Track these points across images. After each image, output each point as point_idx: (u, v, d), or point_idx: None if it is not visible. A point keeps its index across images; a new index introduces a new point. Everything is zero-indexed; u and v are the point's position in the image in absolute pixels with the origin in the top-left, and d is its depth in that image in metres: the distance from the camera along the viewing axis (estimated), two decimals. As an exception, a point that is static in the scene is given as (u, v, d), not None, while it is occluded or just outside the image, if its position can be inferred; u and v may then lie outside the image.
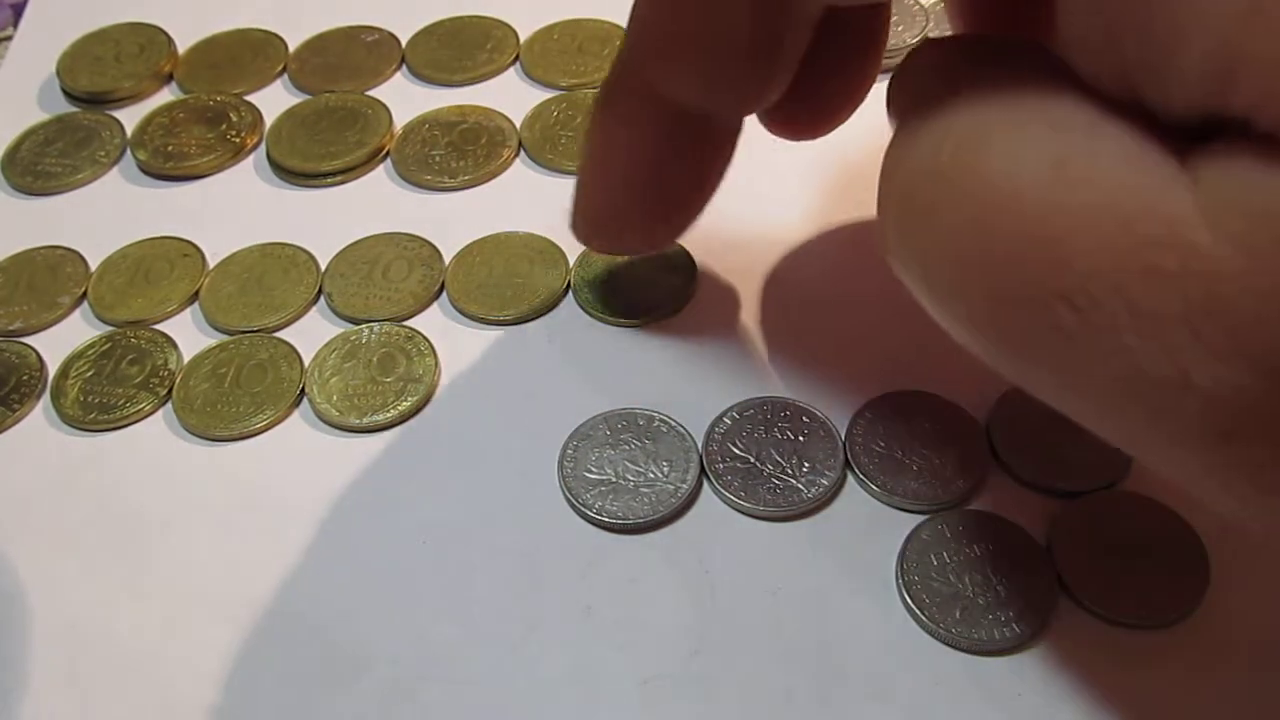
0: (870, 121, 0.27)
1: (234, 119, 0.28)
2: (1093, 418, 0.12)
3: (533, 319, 0.23)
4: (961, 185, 0.12)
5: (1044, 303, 0.11)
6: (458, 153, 0.27)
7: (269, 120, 0.28)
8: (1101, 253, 0.11)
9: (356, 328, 0.23)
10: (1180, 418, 0.11)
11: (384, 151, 0.27)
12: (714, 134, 0.18)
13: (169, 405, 0.22)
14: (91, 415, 0.22)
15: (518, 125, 0.27)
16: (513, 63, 0.29)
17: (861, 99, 0.20)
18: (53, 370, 0.23)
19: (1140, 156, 0.11)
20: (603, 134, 0.18)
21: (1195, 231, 0.10)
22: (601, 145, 0.19)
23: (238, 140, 0.27)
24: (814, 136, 0.20)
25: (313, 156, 0.27)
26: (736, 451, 0.20)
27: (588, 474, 0.20)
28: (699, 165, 0.18)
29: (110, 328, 0.24)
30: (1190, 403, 0.11)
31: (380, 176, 0.27)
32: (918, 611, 0.18)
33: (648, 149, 0.18)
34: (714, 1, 0.15)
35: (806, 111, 0.20)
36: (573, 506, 0.20)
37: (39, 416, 0.22)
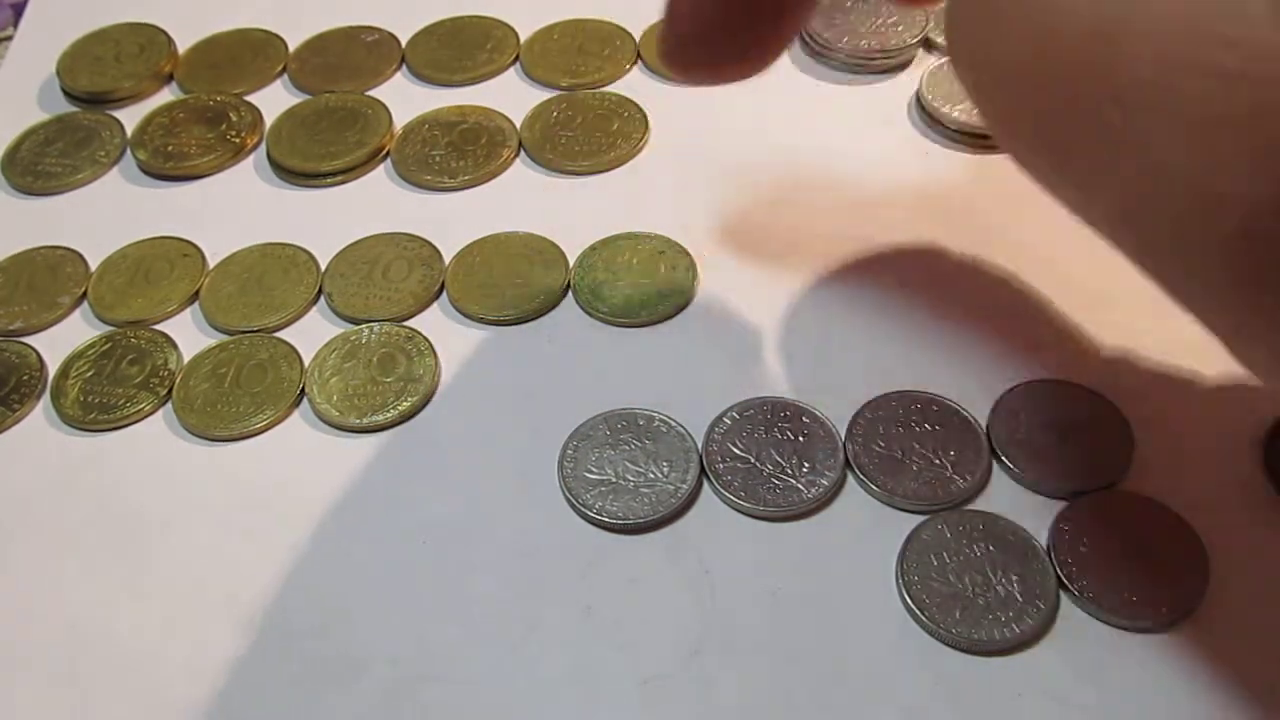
0: (870, 121, 0.27)
1: (234, 119, 0.28)
2: (1117, 231, 0.12)
3: (533, 319, 0.23)
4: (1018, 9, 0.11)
5: (1093, 100, 0.11)
6: (458, 153, 0.27)
7: (269, 120, 0.28)
8: (1166, 42, 0.10)
9: (356, 328, 0.23)
10: (1210, 242, 0.10)
11: (384, 151, 0.27)
12: None
13: (169, 405, 0.22)
14: (91, 415, 0.22)
15: (518, 125, 0.27)
16: (513, 63, 0.29)
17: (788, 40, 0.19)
18: (53, 370, 0.23)
19: None
20: None
21: (1265, 30, 0.09)
22: None
23: (238, 140, 0.27)
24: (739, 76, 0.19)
25: (313, 156, 0.27)
26: (736, 451, 0.20)
27: (588, 474, 0.20)
28: None
29: (110, 328, 0.24)
30: (1223, 222, 0.10)
31: (380, 176, 0.27)
32: (918, 611, 0.18)
33: None
34: None
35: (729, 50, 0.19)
36: (573, 506, 0.20)
37: (39, 416, 0.22)
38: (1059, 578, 0.18)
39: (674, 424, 0.21)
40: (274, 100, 0.29)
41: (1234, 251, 0.10)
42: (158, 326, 0.24)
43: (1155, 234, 0.11)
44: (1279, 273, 0.10)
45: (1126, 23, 0.10)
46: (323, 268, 0.24)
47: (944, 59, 0.28)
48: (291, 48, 0.30)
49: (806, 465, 0.20)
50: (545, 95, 0.28)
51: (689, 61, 0.19)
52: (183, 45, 0.30)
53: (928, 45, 0.29)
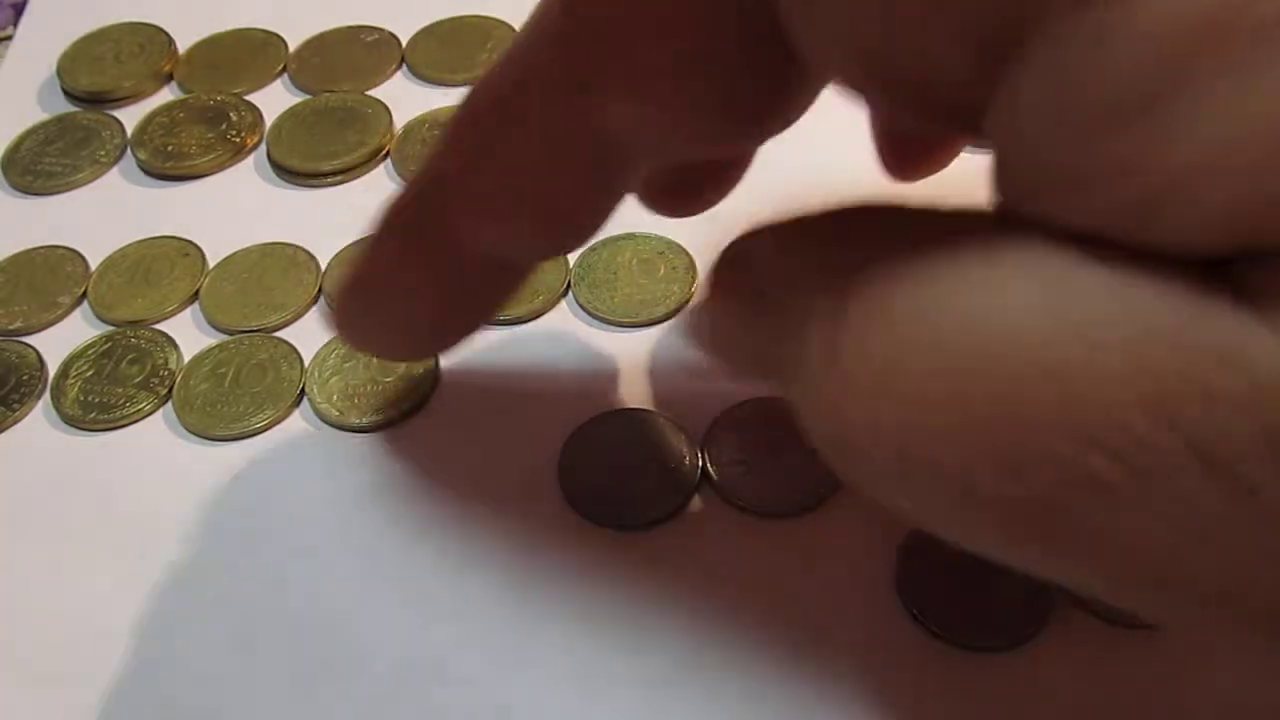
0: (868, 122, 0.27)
1: (234, 119, 0.28)
2: (1146, 597, 0.10)
3: (532, 319, 0.23)
4: (929, 337, 0.09)
5: (1069, 456, 0.09)
6: (458, 153, 0.27)
7: (269, 120, 0.28)
8: (1142, 380, 0.08)
9: (356, 328, 0.23)
10: (1265, 587, 0.09)
11: (384, 151, 0.27)
12: (512, 273, 0.17)
13: (169, 405, 0.22)
14: (91, 415, 0.22)
15: (518, 125, 0.27)
16: (513, 63, 0.29)
17: (737, 179, 0.19)
18: (53, 370, 0.23)
19: (1150, 277, 0.09)
20: (389, 249, 0.16)
21: (1262, 344, 0.08)
22: (385, 258, 0.16)
23: (238, 140, 0.27)
24: (688, 214, 0.19)
25: (313, 156, 0.27)
26: (736, 451, 0.20)
27: (588, 474, 0.20)
28: (487, 299, 0.17)
29: (110, 327, 0.24)
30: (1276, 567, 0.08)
31: (380, 176, 0.27)
32: (917, 612, 0.18)
33: (437, 285, 0.16)
34: (544, 170, 0.14)
35: (677, 201, 0.19)
36: (573, 506, 0.20)
37: (39, 416, 0.22)
38: (1059, 578, 0.18)
39: (674, 424, 0.21)
40: (274, 100, 0.29)
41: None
42: (158, 326, 0.24)
43: (1199, 593, 0.09)
44: None
45: (1084, 350, 0.09)
46: (323, 267, 0.24)
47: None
48: (291, 48, 0.30)
49: (806, 464, 0.20)
50: (545, 95, 0.28)
51: (368, 351, 0.20)
52: (183, 45, 0.30)
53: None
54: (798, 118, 0.14)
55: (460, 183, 0.14)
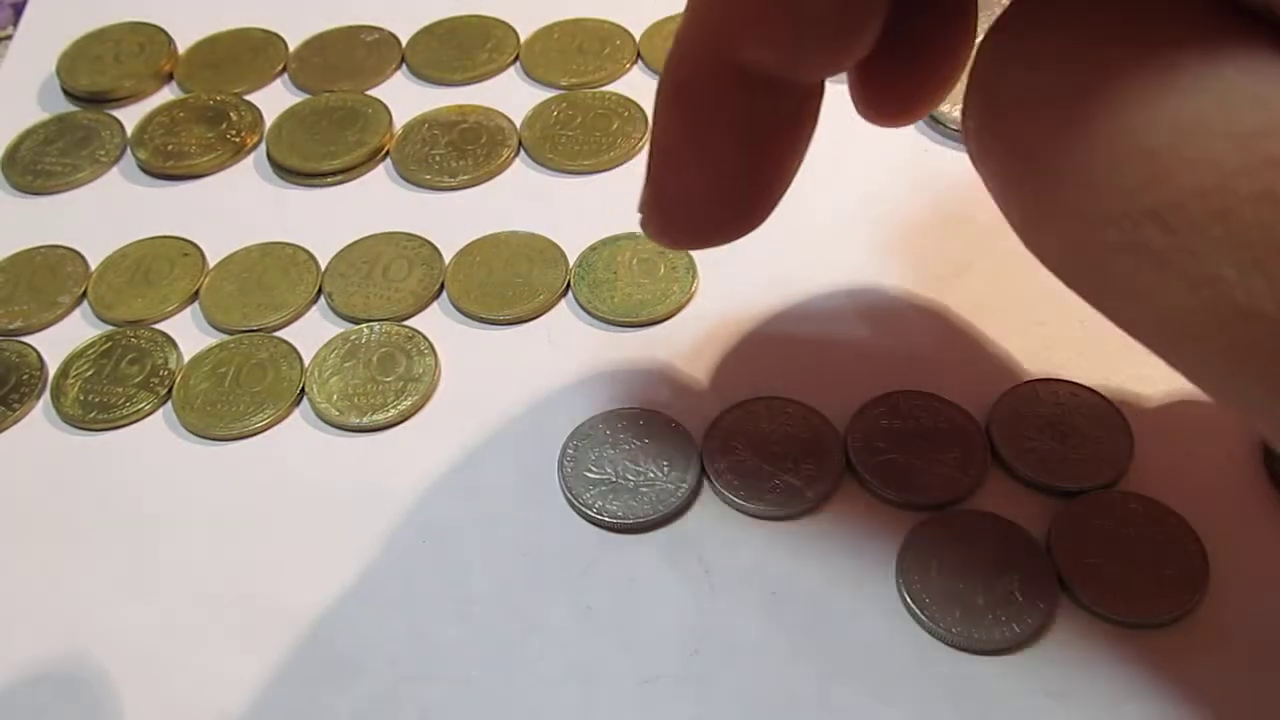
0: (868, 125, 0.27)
1: (234, 118, 0.28)
2: (1169, 349, 0.11)
3: (532, 319, 0.23)
4: (1051, 98, 0.11)
5: (1133, 219, 0.10)
6: (458, 152, 0.27)
7: (269, 120, 0.28)
8: (1205, 169, 0.09)
9: (356, 327, 0.23)
10: (1275, 361, 0.10)
11: (384, 151, 0.27)
12: (799, 100, 0.17)
13: (169, 405, 0.22)
14: (91, 415, 0.22)
15: (518, 125, 0.27)
16: (513, 62, 0.29)
17: (959, 69, 0.18)
18: (53, 370, 0.23)
19: (1267, 73, 0.10)
20: (682, 122, 0.17)
21: None
22: (681, 135, 0.17)
23: (238, 140, 0.27)
24: (911, 117, 0.19)
25: (313, 156, 0.27)
26: (736, 451, 0.20)
27: (588, 474, 0.20)
28: (786, 136, 0.17)
29: (110, 327, 0.24)
30: None
31: (380, 176, 0.27)
32: (918, 611, 0.18)
33: (735, 129, 0.16)
34: None
35: (902, 86, 0.18)
36: (573, 506, 0.20)
37: (39, 416, 0.22)
38: (1059, 578, 0.18)
39: (674, 424, 0.21)
40: (274, 100, 0.29)
41: None
42: (158, 326, 0.24)
43: (1205, 344, 0.11)
44: None
45: (1173, 151, 0.10)
46: (323, 267, 0.24)
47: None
48: (291, 47, 0.30)
49: (807, 465, 0.20)
50: (545, 95, 0.28)
51: (678, 234, 0.19)
52: (183, 45, 0.30)
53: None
54: None
55: (721, 4, 0.15)
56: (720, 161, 0.17)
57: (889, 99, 0.19)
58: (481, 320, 0.23)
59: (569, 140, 0.27)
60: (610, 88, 0.28)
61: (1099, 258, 0.11)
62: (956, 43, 0.18)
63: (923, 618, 0.18)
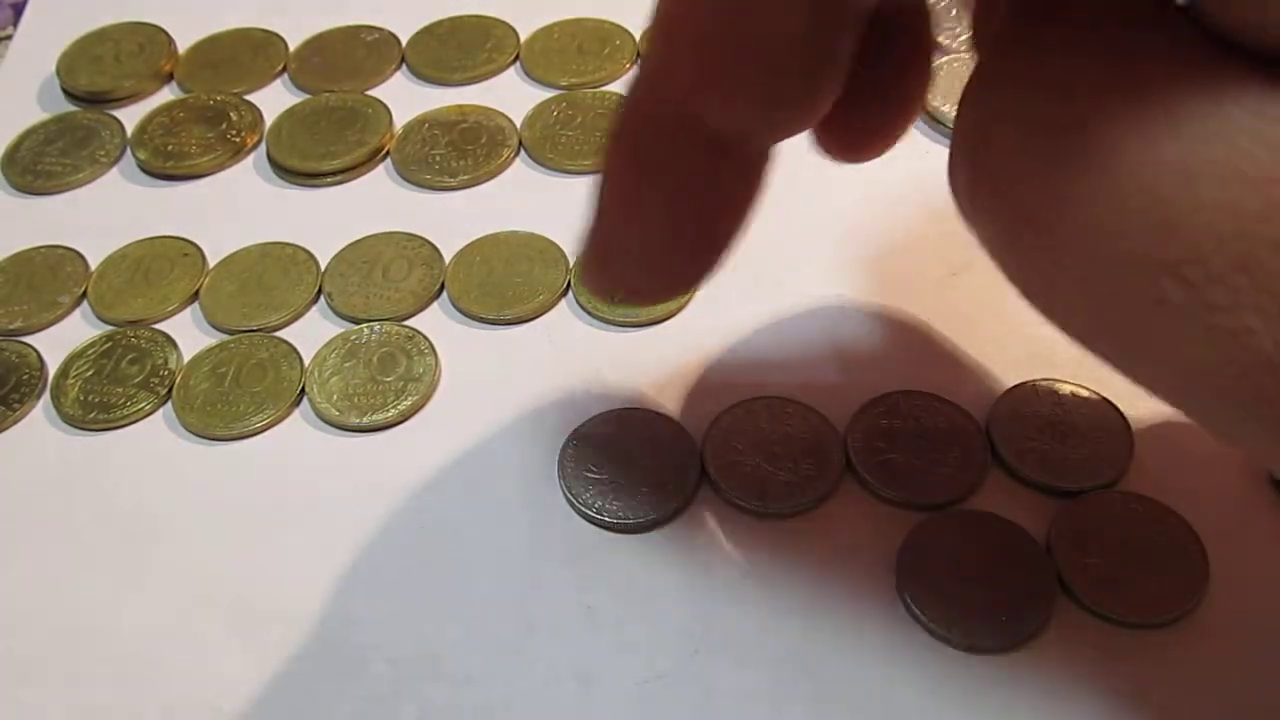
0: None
1: (234, 118, 0.28)
2: (1184, 401, 0.11)
3: (533, 319, 0.23)
4: (1049, 147, 0.10)
5: (1148, 276, 0.10)
6: (458, 152, 0.27)
7: (269, 120, 0.28)
8: (1222, 217, 0.09)
9: (356, 327, 0.23)
10: None
11: (384, 151, 0.27)
12: (755, 161, 0.17)
13: (169, 405, 0.22)
14: (91, 415, 0.22)
15: (518, 125, 0.27)
16: (513, 62, 0.29)
17: (917, 111, 0.19)
18: (53, 370, 0.23)
19: (1271, 112, 0.09)
20: (631, 175, 0.16)
21: None
22: (629, 188, 0.17)
23: (238, 140, 0.27)
24: (871, 155, 0.19)
25: (313, 156, 0.27)
26: (737, 451, 0.20)
27: (588, 474, 0.20)
28: (740, 197, 0.17)
29: (110, 327, 0.24)
30: None
31: (380, 176, 0.27)
32: (917, 611, 0.18)
33: (686, 186, 0.16)
34: (768, 13, 0.13)
35: (861, 129, 0.18)
36: (573, 506, 0.20)
37: (39, 416, 0.22)
38: (1059, 578, 0.18)
39: (674, 424, 0.21)
40: (274, 100, 0.29)
41: None
42: (158, 326, 0.24)
43: (1227, 396, 0.10)
44: None
45: (1186, 199, 0.09)
46: (323, 267, 0.24)
47: (944, 59, 0.28)
48: (291, 47, 0.30)
49: (807, 465, 0.20)
50: (545, 95, 0.28)
51: (636, 297, 0.19)
52: (183, 45, 0.30)
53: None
54: None
55: (684, 62, 0.14)
56: (673, 220, 0.17)
57: (845, 142, 0.19)
58: (482, 320, 0.23)
59: (569, 140, 0.27)
60: (610, 88, 0.28)
61: (1111, 317, 0.10)
62: (914, 89, 0.18)
63: (922, 618, 0.18)
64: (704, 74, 0.14)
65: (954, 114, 0.23)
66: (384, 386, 0.22)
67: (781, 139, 0.16)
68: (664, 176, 0.16)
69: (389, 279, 0.24)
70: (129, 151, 0.28)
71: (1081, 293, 0.11)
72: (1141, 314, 0.10)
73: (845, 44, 0.14)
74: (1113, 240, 0.10)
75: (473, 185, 0.26)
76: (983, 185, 0.11)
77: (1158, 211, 0.09)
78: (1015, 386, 0.21)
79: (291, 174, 0.27)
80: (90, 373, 0.23)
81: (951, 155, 0.12)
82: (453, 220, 0.25)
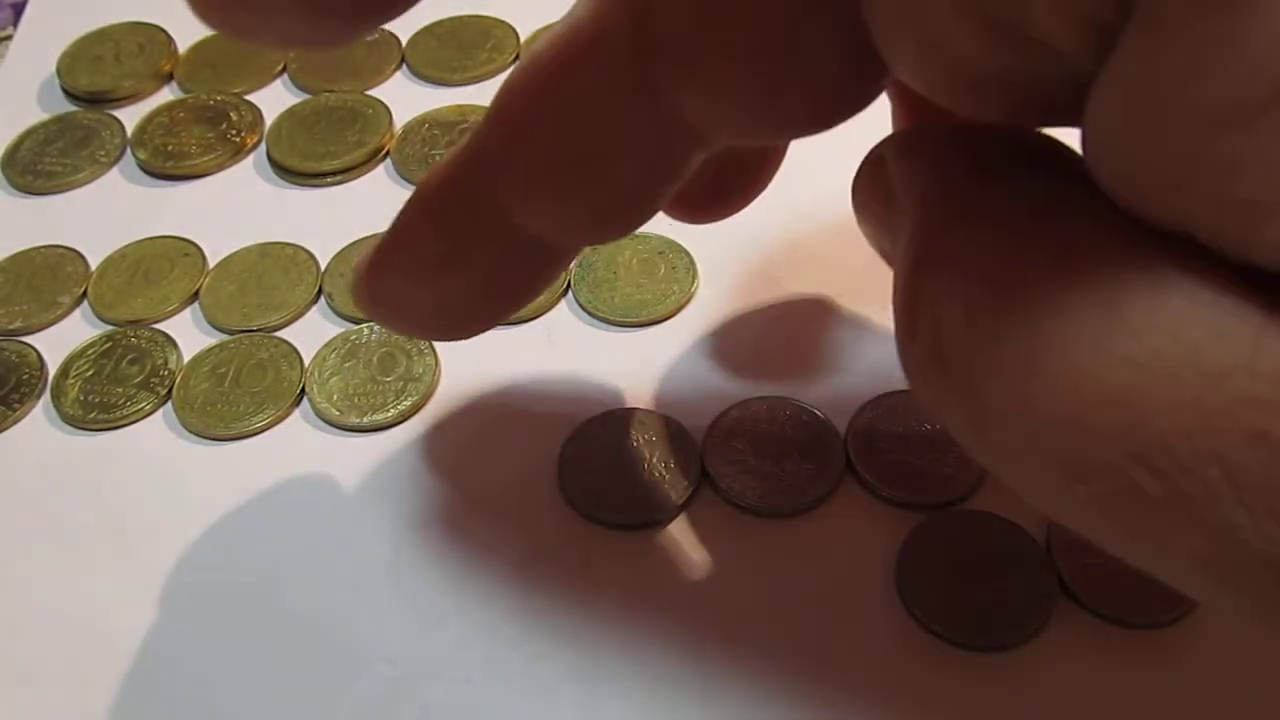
0: (869, 120, 0.27)
1: (234, 118, 0.28)
2: (1187, 588, 0.10)
3: (533, 319, 0.23)
4: (999, 340, 0.10)
5: (1117, 469, 0.09)
6: (458, 152, 0.27)
7: (269, 120, 0.28)
8: (1185, 410, 0.09)
9: (356, 327, 0.23)
10: None
11: (384, 151, 0.27)
12: (557, 259, 0.16)
13: (169, 405, 0.22)
14: (91, 415, 0.22)
15: (518, 125, 0.27)
16: (513, 62, 0.29)
17: (765, 184, 0.19)
18: (53, 370, 0.23)
19: (1215, 299, 0.09)
20: (432, 238, 0.16)
21: None
22: (430, 249, 0.16)
23: (238, 140, 0.27)
24: (717, 219, 0.19)
25: (313, 156, 0.27)
26: (737, 451, 0.20)
27: (588, 474, 0.20)
28: (526, 285, 0.16)
29: (110, 327, 0.24)
30: None
31: (380, 176, 0.27)
32: (917, 611, 0.18)
33: (477, 266, 0.15)
34: (597, 151, 0.13)
35: (704, 207, 0.18)
36: (573, 506, 0.20)
37: (39, 416, 0.22)
38: (1059, 578, 0.18)
39: (675, 424, 0.21)
40: (274, 100, 0.29)
41: None
42: (158, 326, 0.24)
43: (1229, 588, 0.09)
44: None
45: (1143, 392, 0.09)
46: (323, 267, 0.24)
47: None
48: (291, 47, 0.30)
49: (807, 465, 0.20)
50: (545, 95, 0.28)
51: (391, 323, 0.18)
52: (183, 45, 0.30)
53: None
54: (871, 101, 0.13)
55: (509, 161, 0.14)
56: (456, 288, 0.16)
57: (690, 214, 0.19)
58: (481, 320, 0.23)
59: (569, 140, 0.27)
60: (610, 88, 0.28)
61: (1086, 509, 0.10)
62: (764, 174, 0.18)
63: (922, 618, 0.18)
64: (528, 180, 0.14)
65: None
66: (384, 386, 0.22)
67: (592, 244, 0.16)
68: (460, 244, 0.15)
69: (389, 279, 0.24)
70: (129, 151, 0.28)
71: (1051, 485, 0.10)
72: (1118, 506, 0.09)
73: (674, 187, 0.14)
74: (1077, 433, 0.09)
75: (473, 185, 0.26)
76: (932, 365, 0.11)
77: (1116, 405, 0.09)
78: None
79: (291, 174, 0.27)
80: (90, 373, 0.23)
81: (896, 328, 0.12)
82: (453, 220, 0.25)
